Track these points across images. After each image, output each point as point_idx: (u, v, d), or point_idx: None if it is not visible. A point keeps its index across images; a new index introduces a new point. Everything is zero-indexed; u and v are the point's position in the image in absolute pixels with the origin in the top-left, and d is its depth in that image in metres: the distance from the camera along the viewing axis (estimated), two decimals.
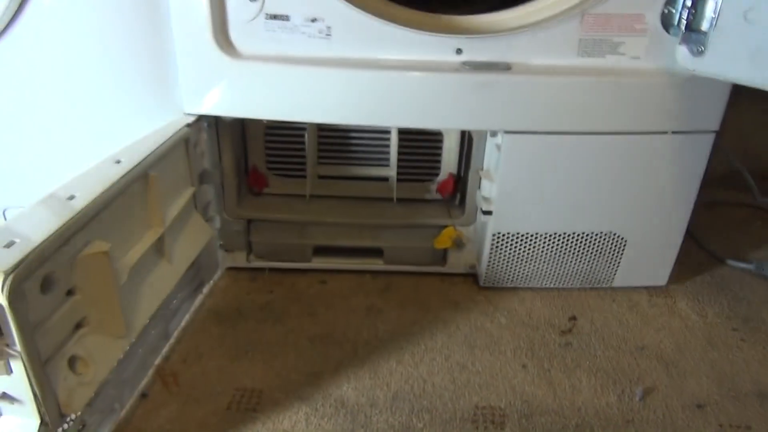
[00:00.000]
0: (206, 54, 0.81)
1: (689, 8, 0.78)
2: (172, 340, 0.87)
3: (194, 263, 0.90)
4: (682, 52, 0.80)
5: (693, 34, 0.78)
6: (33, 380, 0.54)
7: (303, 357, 0.86)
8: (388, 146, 1.02)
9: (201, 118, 0.87)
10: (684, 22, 0.79)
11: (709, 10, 0.75)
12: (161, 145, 0.76)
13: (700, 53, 0.78)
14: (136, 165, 0.70)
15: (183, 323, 0.90)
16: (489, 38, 0.83)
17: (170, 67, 0.83)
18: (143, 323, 0.73)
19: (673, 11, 0.80)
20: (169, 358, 0.84)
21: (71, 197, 0.61)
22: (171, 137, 0.78)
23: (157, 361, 0.83)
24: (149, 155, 0.73)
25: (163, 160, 0.76)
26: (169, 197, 0.79)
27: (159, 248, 0.77)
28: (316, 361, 0.85)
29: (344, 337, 0.90)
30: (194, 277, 0.92)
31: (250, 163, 1.04)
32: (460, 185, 1.04)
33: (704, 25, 0.77)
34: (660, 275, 1.03)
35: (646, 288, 1.04)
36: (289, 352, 0.87)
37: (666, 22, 0.82)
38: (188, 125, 0.83)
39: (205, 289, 0.97)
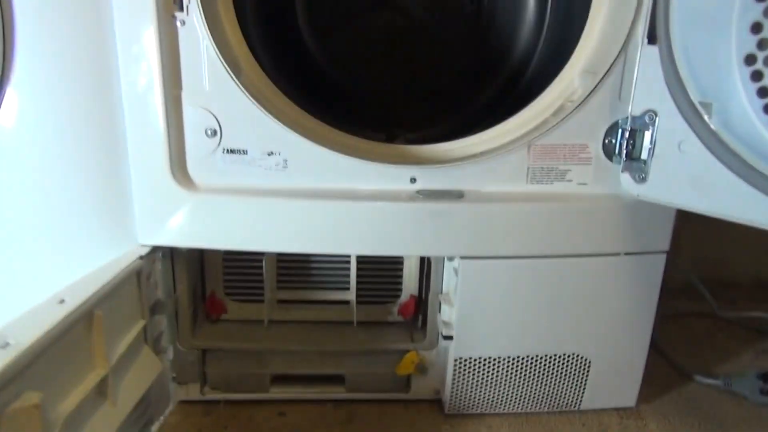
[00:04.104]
0: (163, 187, 0.82)
1: (628, 139, 0.82)
2: None
3: (143, 399, 0.85)
4: (626, 179, 0.84)
5: (634, 162, 0.82)
6: None
7: None
8: (347, 269, 1.02)
9: (156, 249, 0.86)
10: (624, 151, 0.83)
11: (646, 141, 0.80)
12: (111, 280, 0.74)
13: (643, 180, 0.82)
14: (81, 304, 0.67)
15: None
16: (441, 167, 0.85)
17: (126, 199, 0.83)
18: None
19: (614, 141, 0.85)
20: None
21: (5, 345, 0.58)
22: (122, 271, 0.77)
23: None
24: (96, 292, 0.70)
25: (111, 297, 0.73)
26: (116, 334, 0.76)
27: (101, 390, 0.72)
28: None
29: None
30: (142, 415, 0.87)
31: (207, 289, 1.02)
32: (422, 307, 1.03)
33: (643, 154, 0.81)
34: (628, 395, 1.01)
35: (616, 409, 1.01)
36: None
37: (608, 151, 0.86)
38: (142, 257, 0.82)
39: (154, 427, 0.91)
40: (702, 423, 0.99)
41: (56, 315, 0.64)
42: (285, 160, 0.84)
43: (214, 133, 0.82)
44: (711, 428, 0.97)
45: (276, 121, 0.81)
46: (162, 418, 0.94)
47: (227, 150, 0.83)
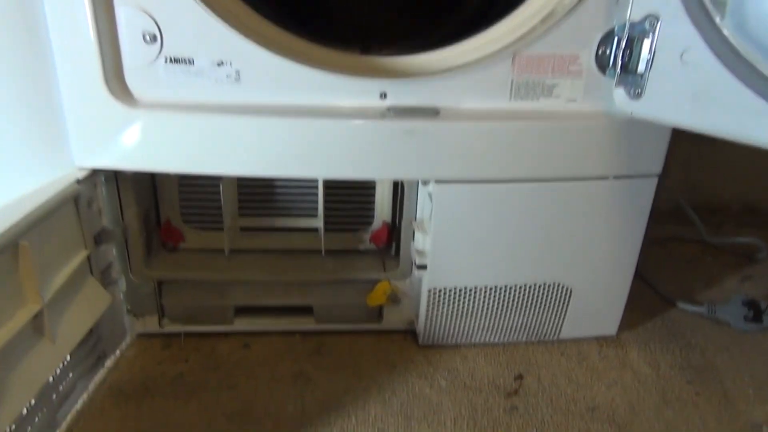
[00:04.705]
0: (98, 102, 0.72)
1: (624, 49, 0.73)
2: (63, 428, 0.75)
3: (93, 333, 0.80)
4: (620, 94, 0.75)
5: (630, 75, 0.74)
6: None
7: None
8: (315, 194, 0.94)
9: (97, 172, 0.77)
10: (620, 63, 0.74)
11: (645, 51, 0.71)
12: (39, 207, 0.66)
13: (638, 96, 0.73)
14: (2, 234, 0.59)
15: (79, 406, 0.79)
16: (415, 81, 0.76)
17: (58, 115, 0.73)
18: (14, 416, 0.62)
19: (608, 52, 0.75)
20: None
21: None
22: (54, 197, 0.68)
23: None
24: (21, 221, 0.62)
25: (40, 225, 0.65)
26: (52, 266, 0.69)
27: (37, 326, 0.66)
28: None
29: (266, 412, 0.80)
30: (93, 350, 0.81)
31: (162, 215, 0.94)
32: (395, 234, 0.96)
33: (641, 67, 0.72)
34: (609, 324, 0.97)
35: (596, 338, 0.98)
36: None
37: (601, 63, 0.77)
38: (79, 181, 0.73)
39: (109, 362, 0.86)
40: (683, 350, 0.96)
41: None
42: (237, 72, 0.74)
43: (154, 38, 0.71)
44: (692, 356, 0.95)
45: (226, 25, 0.70)
46: (118, 351, 0.89)
47: (170, 59, 0.72)
